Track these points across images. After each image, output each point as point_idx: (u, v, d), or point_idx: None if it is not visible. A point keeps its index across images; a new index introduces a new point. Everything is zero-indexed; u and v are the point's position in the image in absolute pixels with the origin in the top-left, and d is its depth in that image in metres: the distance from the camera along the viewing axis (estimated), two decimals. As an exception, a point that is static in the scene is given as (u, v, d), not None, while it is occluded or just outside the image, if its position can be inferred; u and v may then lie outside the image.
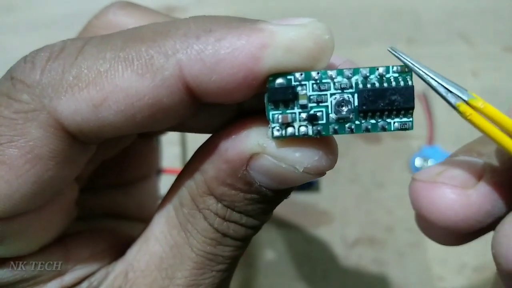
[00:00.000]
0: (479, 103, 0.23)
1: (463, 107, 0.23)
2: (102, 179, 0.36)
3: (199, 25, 0.22)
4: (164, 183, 0.44)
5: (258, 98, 0.23)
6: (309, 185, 0.63)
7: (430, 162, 0.62)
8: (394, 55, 0.23)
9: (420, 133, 0.65)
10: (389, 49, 0.23)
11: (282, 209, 0.62)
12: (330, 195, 0.64)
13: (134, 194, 0.39)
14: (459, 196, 0.25)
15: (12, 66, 0.23)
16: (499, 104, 0.23)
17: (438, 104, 0.66)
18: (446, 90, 0.23)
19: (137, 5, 0.30)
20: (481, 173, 0.25)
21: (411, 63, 0.23)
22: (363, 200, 0.63)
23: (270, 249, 0.62)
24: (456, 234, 0.26)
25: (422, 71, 0.23)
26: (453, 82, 0.23)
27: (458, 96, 0.23)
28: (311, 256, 0.62)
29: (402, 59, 0.23)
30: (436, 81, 0.23)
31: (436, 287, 0.60)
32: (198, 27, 0.22)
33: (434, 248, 0.60)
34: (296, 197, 0.63)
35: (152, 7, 0.31)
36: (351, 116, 0.22)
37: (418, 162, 0.63)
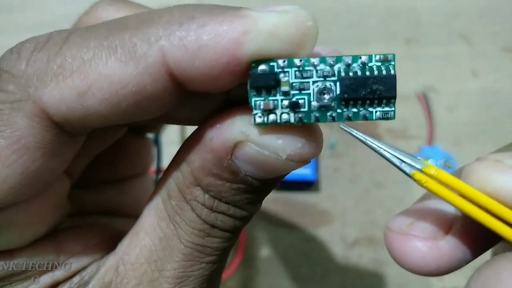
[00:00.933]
0: (432, 170, 0.23)
1: (418, 175, 0.23)
2: (95, 176, 0.36)
3: (182, 12, 0.22)
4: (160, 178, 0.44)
5: (245, 88, 0.23)
6: (309, 185, 0.63)
7: (430, 162, 0.62)
8: (346, 131, 0.24)
9: (420, 133, 0.65)
10: (341, 126, 0.24)
11: (282, 209, 0.62)
12: (330, 195, 0.63)
13: (128, 191, 0.39)
14: (429, 248, 0.25)
15: None
16: (499, 104, 0.23)
17: (438, 104, 0.66)
18: (400, 161, 0.24)
19: (127, 0, 0.30)
20: (450, 222, 0.26)
21: (364, 138, 0.24)
22: (363, 200, 0.63)
23: (270, 249, 0.62)
24: (432, 276, 0.27)
25: (375, 145, 0.24)
26: (406, 152, 0.24)
27: (412, 165, 0.24)
28: (311, 256, 0.62)
29: (354, 134, 0.24)
30: (389, 153, 0.24)
31: (435, 287, 0.59)
32: (181, 15, 0.22)
33: (433, 248, 0.59)
34: (296, 197, 0.63)
35: (152, 7, 0.31)
36: (333, 104, 0.22)
37: (418, 162, 0.62)
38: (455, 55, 0.68)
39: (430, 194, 0.28)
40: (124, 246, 0.28)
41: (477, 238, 0.25)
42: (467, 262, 0.25)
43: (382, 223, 0.62)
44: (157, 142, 0.59)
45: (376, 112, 0.23)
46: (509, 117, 0.65)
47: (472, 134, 0.65)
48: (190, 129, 0.27)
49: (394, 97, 0.22)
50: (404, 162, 0.24)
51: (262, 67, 0.22)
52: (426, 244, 0.25)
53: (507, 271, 0.20)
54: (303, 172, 0.60)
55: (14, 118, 0.22)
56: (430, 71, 0.68)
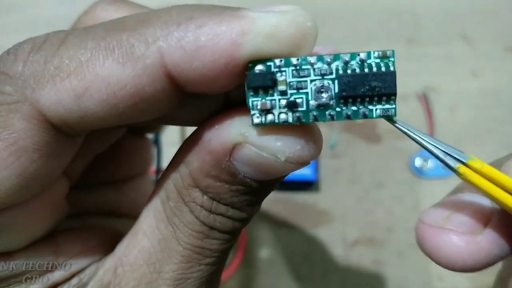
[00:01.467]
0: (477, 164, 0.23)
1: (463, 169, 0.23)
2: (94, 176, 0.36)
3: (180, 12, 0.22)
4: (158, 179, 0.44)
5: (244, 89, 0.23)
6: (309, 185, 0.63)
7: (430, 162, 0.62)
8: (400, 129, 0.24)
9: (420, 133, 0.65)
10: (397, 125, 0.24)
11: (282, 209, 0.62)
12: (330, 195, 0.63)
13: (127, 191, 0.38)
14: (467, 243, 0.25)
15: None
16: (499, 104, 0.23)
17: (438, 104, 0.66)
18: (444, 153, 0.23)
19: (126, 0, 0.30)
20: (488, 216, 0.25)
21: (413, 134, 0.24)
22: (363, 200, 0.63)
23: (270, 249, 0.62)
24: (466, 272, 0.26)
25: (422, 139, 0.24)
26: (451, 146, 0.24)
27: (457, 158, 0.23)
28: (311, 256, 0.62)
29: (405, 131, 0.24)
30: (434, 145, 0.24)
31: (435, 287, 0.59)
32: (179, 15, 0.22)
33: (434, 248, 0.59)
34: (296, 197, 0.63)
35: (152, 7, 0.31)
36: (331, 102, 0.22)
37: (418, 162, 0.62)
38: (455, 55, 0.68)
39: (463, 187, 0.28)
40: (122, 247, 0.28)
41: None
42: (503, 258, 0.25)
43: (382, 223, 0.62)
44: (157, 142, 0.59)
45: (376, 110, 0.22)
46: (509, 117, 0.65)
47: (473, 134, 0.65)
48: (191, 130, 0.27)
49: (395, 94, 0.22)
50: (449, 155, 0.23)
51: (259, 67, 0.22)
52: (464, 239, 0.25)
53: None
54: (303, 172, 0.60)
55: (11, 120, 0.22)
56: (430, 71, 0.68)
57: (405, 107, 0.65)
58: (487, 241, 0.25)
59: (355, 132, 0.65)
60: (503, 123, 0.65)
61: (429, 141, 0.24)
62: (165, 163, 0.59)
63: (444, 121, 0.65)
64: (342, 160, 0.65)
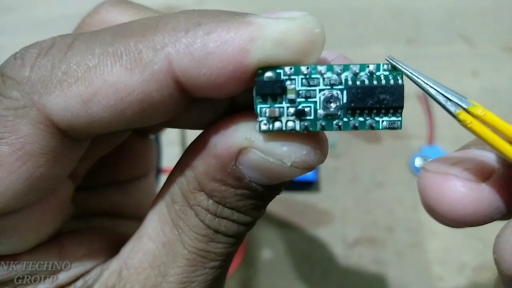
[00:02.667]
0: (479, 110, 0.22)
1: (463, 115, 0.22)
2: (98, 178, 0.36)
3: (188, 19, 0.22)
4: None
5: (251, 93, 0.23)
6: (309, 185, 0.63)
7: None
8: (391, 63, 0.23)
9: (420, 133, 0.65)
10: (387, 58, 0.23)
11: (282, 209, 0.62)
12: (330, 195, 0.63)
13: (131, 192, 0.38)
14: (470, 190, 0.24)
15: (2, 63, 0.23)
16: (499, 104, 0.23)
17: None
18: (445, 99, 0.23)
19: (131, 2, 0.30)
20: (492, 169, 0.25)
21: (409, 72, 0.23)
22: (363, 200, 0.63)
23: (270, 249, 0.62)
24: (461, 225, 0.26)
25: (421, 79, 0.23)
26: (452, 90, 0.23)
27: (458, 104, 0.22)
28: (311, 256, 0.62)
29: (400, 67, 0.23)
30: (435, 89, 0.23)
31: (436, 287, 0.59)
32: (187, 21, 0.22)
33: (433, 248, 0.60)
34: (296, 197, 0.63)
35: (152, 7, 0.30)
36: (339, 113, 0.22)
37: (418, 162, 0.63)
38: (455, 55, 0.68)
39: (470, 144, 0.27)
40: (127, 250, 0.28)
41: None
42: (502, 214, 0.24)
43: (382, 223, 0.62)
44: (157, 142, 0.59)
45: (382, 121, 0.22)
46: (510, 116, 0.65)
47: (472, 135, 0.65)
48: (191, 130, 0.27)
49: (401, 107, 0.22)
50: (450, 100, 0.22)
51: (268, 74, 0.22)
52: (467, 185, 0.24)
53: None
54: (303, 172, 0.60)
55: (18, 125, 0.22)
56: (430, 71, 0.67)
57: (405, 107, 0.65)
58: (490, 190, 0.24)
59: (355, 132, 0.65)
60: (502, 123, 0.65)
61: (430, 84, 0.23)
62: (165, 163, 0.60)
63: (444, 121, 0.65)
64: (342, 160, 0.65)
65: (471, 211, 0.24)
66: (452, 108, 0.23)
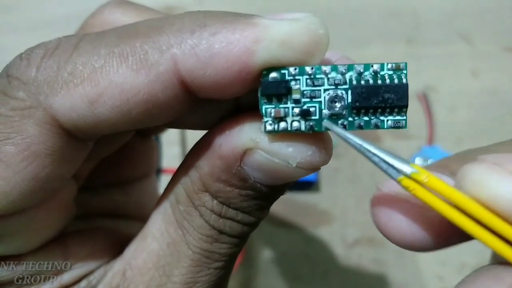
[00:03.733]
0: (423, 176, 0.21)
1: (406, 182, 0.21)
2: (101, 178, 0.36)
3: (193, 20, 0.22)
4: (164, 183, 0.44)
5: (255, 94, 0.23)
6: (309, 185, 0.63)
7: (430, 162, 0.62)
8: (330, 130, 0.22)
9: (420, 133, 0.65)
10: (325, 125, 0.22)
11: (282, 209, 0.62)
12: (330, 195, 0.64)
13: (134, 193, 0.38)
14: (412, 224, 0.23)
15: (8, 64, 0.23)
16: (499, 104, 0.23)
17: (438, 104, 0.66)
18: (387, 165, 0.21)
19: (133, 3, 0.30)
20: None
21: (348, 138, 0.22)
22: (363, 200, 0.63)
23: (270, 249, 0.62)
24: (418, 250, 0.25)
25: (360, 145, 0.22)
26: (395, 155, 0.21)
27: (400, 170, 0.21)
28: (311, 256, 0.62)
29: (338, 133, 0.22)
30: (377, 156, 0.22)
31: (436, 287, 0.59)
32: (192, 22, 0.22)
33: (434, 248, 0.60)
34: (296, 197, 0.63)
35: (152, 7, 0.30)
36: (344, 112, 0.22)
37: (418, 162, 0.63)
38: (455, 55, 0.69)
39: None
40: (131, 250, 0.28)
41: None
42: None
43: (382, 223, 0.62)
44: (157, 140, 0.59)
45: (387, 121, 0.22)
46: (509, 116, 0.65)
47: (473, 134, 0.65)
48: (191, 130, 0.27)
49: (406, 106, 0.22)
50: (392, 166, 0.21)
51: (273, 74, 0.22)
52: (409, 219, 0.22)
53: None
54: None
55: (24, 125, 0.22)
56: (430, 71, 0.68)
57: (405, 107, 0.66)
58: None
59: (355, 132, 0.65)
60: (502, 122, 0.65)
61: (370, 149, 0.22)
62: (165, 163, 0.59)
63: (444, 121, 0.66)
64: (342, 160, 0.65)
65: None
66: (394, 174, 0.21)
